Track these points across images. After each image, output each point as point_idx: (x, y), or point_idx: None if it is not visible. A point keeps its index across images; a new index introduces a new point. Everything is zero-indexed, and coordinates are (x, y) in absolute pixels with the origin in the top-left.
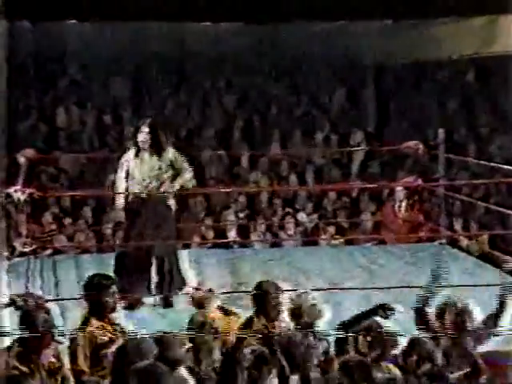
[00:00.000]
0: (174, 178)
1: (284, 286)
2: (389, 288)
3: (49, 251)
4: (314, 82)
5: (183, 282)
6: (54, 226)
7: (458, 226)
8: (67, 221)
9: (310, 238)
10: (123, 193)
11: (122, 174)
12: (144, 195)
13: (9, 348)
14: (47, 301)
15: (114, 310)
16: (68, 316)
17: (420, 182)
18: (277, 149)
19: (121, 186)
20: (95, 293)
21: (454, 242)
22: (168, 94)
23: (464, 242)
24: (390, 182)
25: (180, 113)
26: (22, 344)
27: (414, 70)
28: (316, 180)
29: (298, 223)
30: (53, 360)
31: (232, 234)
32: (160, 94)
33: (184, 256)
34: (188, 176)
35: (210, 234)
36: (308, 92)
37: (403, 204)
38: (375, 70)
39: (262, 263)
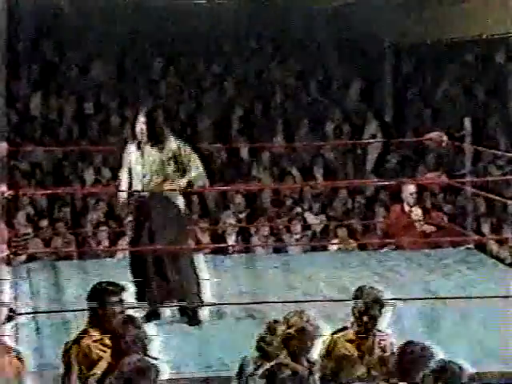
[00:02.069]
0: (182, 173)
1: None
2: (409, 299)
3: (23, 257)
4: (323, 65)
5: (198, 294)
6: (28, 229)
7: (486, 228)
8: (43, 223)
9: (318, 243)
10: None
11: (124, 172)
12: (146, 193)
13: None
14: (19, 314)
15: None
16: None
17: (444, 178)
18: (281, 141)
19: (123, 184)
20: (97, 300)
21: (481, 247)
22: (157, 79)
23: (493, 246)
24: (409, 179)
25: (171, 100)
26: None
27: (436, 51)
28: (325, 176)
29: (305, 225)
30: None
31: (231, 239)
32: (148, 80)
33: (201, 262)
34: (195, 173)
35: (206, 239)
36: (316, 77)
37: (415, 205)
38: (393, 51)
39: (265, 270)
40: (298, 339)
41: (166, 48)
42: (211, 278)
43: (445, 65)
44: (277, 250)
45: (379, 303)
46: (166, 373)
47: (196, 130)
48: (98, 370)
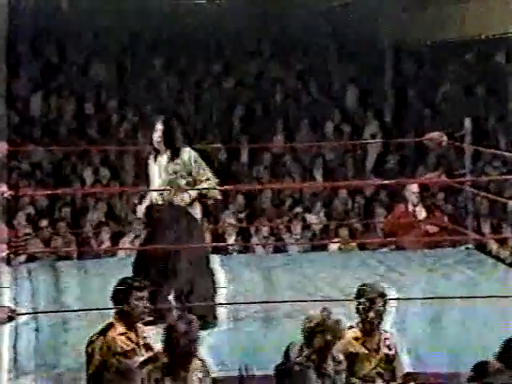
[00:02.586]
0: (193, 186)
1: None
2: (411, 299)
3: (23, 257)
4: (323, 65)
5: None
6: (28, 229)
7: (486, 228)
8: (43, 223)
9: (318, 243)
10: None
11: (152, 186)
12: (161, 203)
13: (150, 360)
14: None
15: (142, 318)
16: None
17: (444, 178)
18: (281, 141)
19: (145, 200)
20: (122, 295)
21: (482, 247)
22: (157, 79)
23: (493, 246)
24: (409, 179)
25: (170, 100)
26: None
27: (436, 51)
28: (325, 177)
29: (305, 225)
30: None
31: (231, 239)
32: (148, 80)
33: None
34: (207, 185)
35: (207, 238)
36: (316, 76)
37: (419, 204)
38: (393, 52)
39: (265, 270)
40: (320, 334)
41: (166, 48)
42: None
43: (445, 65)
44: (277, 250)
45: (383, 297)
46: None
47: (196, 129)
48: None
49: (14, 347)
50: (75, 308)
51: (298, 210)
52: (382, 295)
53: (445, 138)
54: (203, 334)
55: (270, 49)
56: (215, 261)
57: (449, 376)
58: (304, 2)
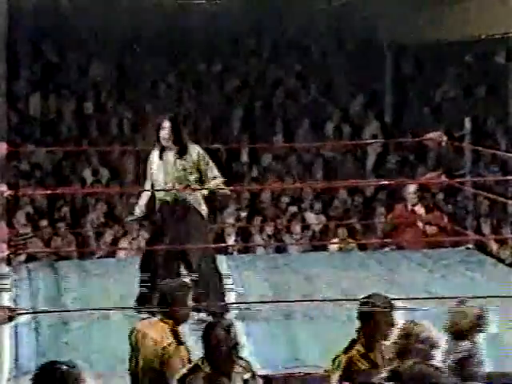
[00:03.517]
0: (201, 182)
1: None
2: (410, 299)
3: (23, 257)
4: (323, 65)
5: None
6: (28, 229)
7: (486, 228)
8: (43, 223)
9: (318, 243)
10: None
11: (148, 183)
12: (169, 199)
13: (196, 368)
14: (20, 314)
15: (185, 320)
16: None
17: (444, 178)
18: (281, 141)
19: (144, 198)
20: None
21: (481, 247)
22: (157, 79)
23: (493, 246)
24: (409, 179)
25: (170, 100)
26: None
27: (436, 51)
28: (325, 176)
29: (305, 225)
30: None
31: (231, 239)
32: (148, 79)
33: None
34: (214, 183)
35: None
36: (316, 77)
37: (418, 204)
38: (393, 52)
39: (265, 271)
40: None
41: (166, 48)
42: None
43: (445, 65)
44: (277, 250)
45: (390, 309)
46: None
47: (196, 129)
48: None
49: (14, 347)
50: (75, 308)
51: (298, 210)
52: (390, 307)
53: (445, 138)
54: None
55: (269, 49)
56: (222, 260)
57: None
58: (304, 2)
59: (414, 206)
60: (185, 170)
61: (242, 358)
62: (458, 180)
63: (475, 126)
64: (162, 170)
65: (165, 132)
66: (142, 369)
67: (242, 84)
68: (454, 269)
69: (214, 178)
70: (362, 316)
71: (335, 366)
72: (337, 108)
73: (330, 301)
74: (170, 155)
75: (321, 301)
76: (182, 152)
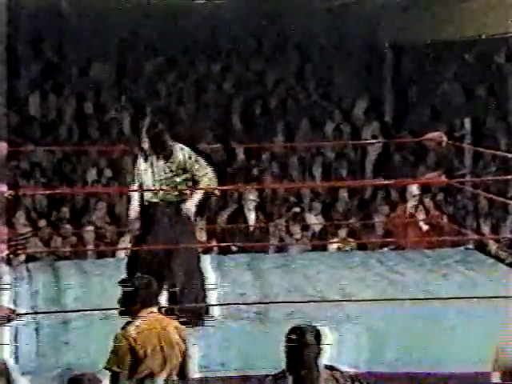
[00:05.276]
0: (193, 182)
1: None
2: (410, 300)
3: (23, 257)
4: (322, 65)
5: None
6: (28, 229)
7: (486, 228)
8: (43, 223)
9: (318, 243)
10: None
11: (136, 187)
12: (158, 201)
13: (283, 373)
14: (20, 314)
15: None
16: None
17: (444, 178)
18: (281, 141)
19: (135, 201)
20: None
21: (481, 247)
22: (157, 79)
23: (493, 246)
24: (409, 179)
25: (170, 101)
26: None
27: (436, 51)
28: (325, 176)
29: (304, 225)
30: None
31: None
32: (148, 80)
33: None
34: (205, 180)
35: (203, 237)
36: (316, 77)
37: (418, 205)
38: (393, 51)
39: (264, 271)
40: None
41: (166, 48)
42: (217, 281)
43: (445, 65)
44: (277, 250)
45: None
46: None
47: (196, 129)
48: None
49: (14, 347)
50: (75, 308)
51: (298, 210)
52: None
53: (445, 138)
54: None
55: (269, 49)
56: (206, 261)
57: (449, 376)
58: (304, 2)
59: (416, 207)
60: (171, 171)
61: (330, 367)
62: (458, 180)
63: (475, 126)
64: (148, 172)
65: (146, 146)
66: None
67: (241, 84)
68: (453, 269)
69: (206, 174)
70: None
71: None
72: (337, 108)
73: (330, 301)
74: (154, 158)
75: (321, 301)
76: (166, 158)
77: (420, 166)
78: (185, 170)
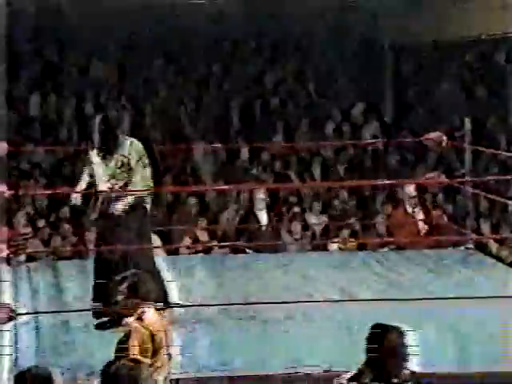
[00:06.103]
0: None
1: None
2: (410, 300)
3: (23, 257)
4: (322, 65)
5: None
6: (28, 229)
7: (486, 228)
8: (43, 223)
9: (318, 243)
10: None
11: (84, 174)
12: (111, 194)
13: (360, 373)
14: (19, 314)
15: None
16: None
17: (443, 178)
18: (281, 141)
19: (80, 186)
20: None
21: (481, 247)
22: (157, 78)
23: (493, 246)
24: (409, 179)
25: (170, 100)
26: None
27: (436, 51)
28: (325, 177)
29: (305, 225)
30: None
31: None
32: (148, 79)
33: (162, 263)
34: (137, 178)
35: (205, 237)
36: (316, 77)
37: (417, 205)
38: (393, 51)
39: (264, 271)
40: None
41: (166, 48)
42: (175, 279)
43: (445, 65)
44: (274, 250)
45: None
46: None
47: (196, 129)
48: None
49: (14, 347)
50: (75, 308)
51: (298, 210)
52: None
53: (445, 138)
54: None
55: (269, 49)
56: (162, 261)
57: (453, 376)
58: (304, 2)
59: (413, 208)
60: (122, 166)
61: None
62: (458, 180)
63: (475, 126)
64: (101, 167)
65: (97, 139)
66: None
67: (241, 84)
68: (454, 269)
69: (139, 171)
70: None
71: None
72: (337, 108)
73: (330, 301)
74: (106, 152)
75: (320, 301)
76: (110, 152)
77: (420, 165)
78: (130, 168)
